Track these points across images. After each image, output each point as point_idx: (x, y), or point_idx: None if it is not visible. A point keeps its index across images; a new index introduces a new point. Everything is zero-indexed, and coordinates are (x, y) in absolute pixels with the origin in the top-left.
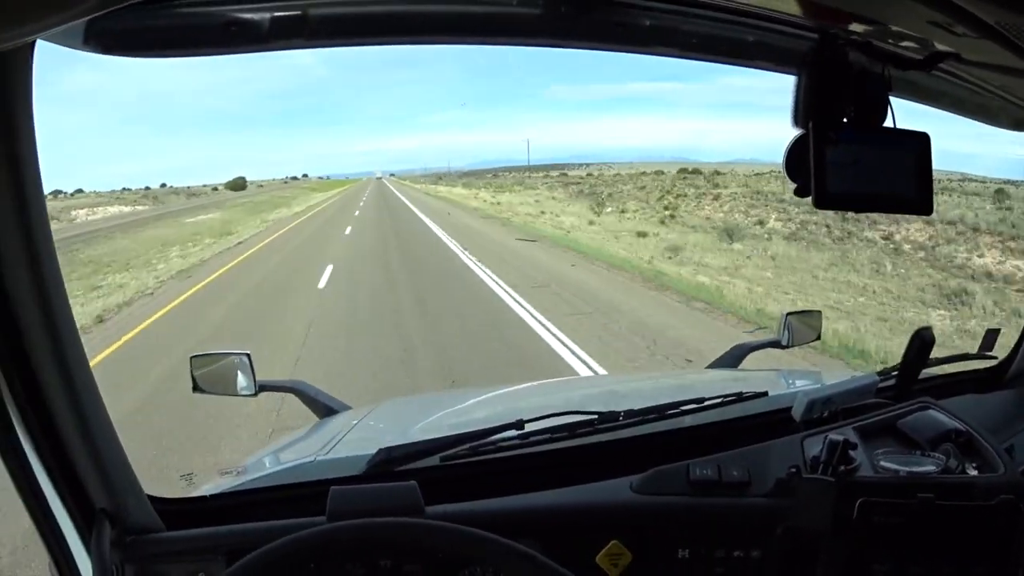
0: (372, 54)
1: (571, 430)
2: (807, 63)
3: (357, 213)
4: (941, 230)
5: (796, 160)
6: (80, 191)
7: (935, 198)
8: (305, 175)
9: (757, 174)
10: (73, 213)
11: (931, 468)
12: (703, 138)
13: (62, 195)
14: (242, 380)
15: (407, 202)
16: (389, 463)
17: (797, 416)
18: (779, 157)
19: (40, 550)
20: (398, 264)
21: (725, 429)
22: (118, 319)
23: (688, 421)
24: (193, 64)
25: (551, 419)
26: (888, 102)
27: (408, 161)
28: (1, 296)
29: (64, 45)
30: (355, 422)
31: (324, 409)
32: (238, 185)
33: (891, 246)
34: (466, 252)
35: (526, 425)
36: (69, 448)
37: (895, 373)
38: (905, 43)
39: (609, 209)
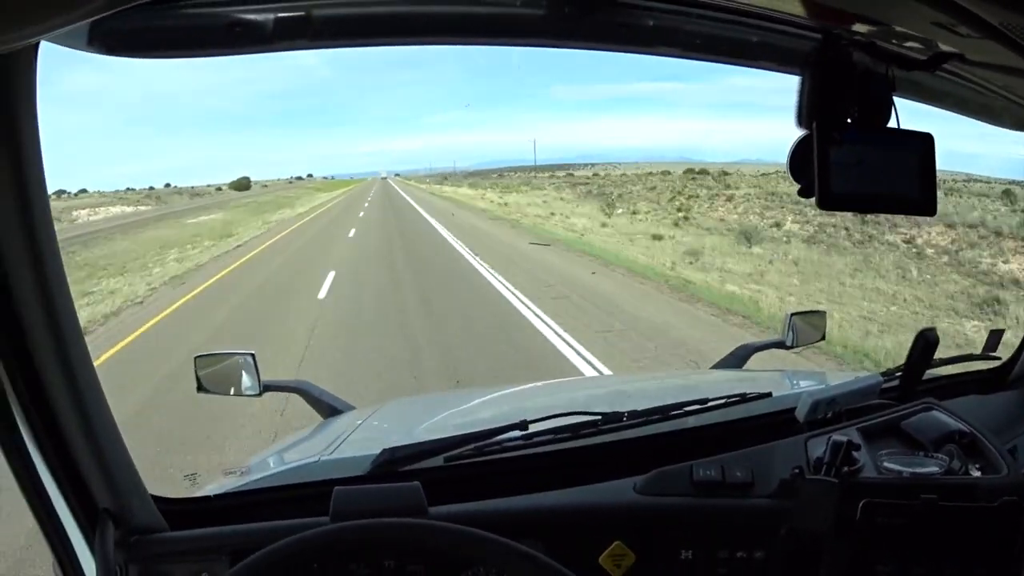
0: (376, 55)
1: (575, 431)
2: (811, 63)
3: (361, 214)
4: (963, 233)
5: (800, 160)
6: (84, 191)
7: (947, 199)
8: (310, 175)
9: (764, 174)
10: (74, 213)
11: (934, 469)
12: (707, 138)
13: (66, 195)
14: (246, 380)
15: (412, 203)
16: (393, 463)
17: (801, 417)
18: (784, 157)
19: (44, 550)
20: (405, 270)
21: (729, 430)
22: (101, 332)
23: (692, 422)
24: (197, 64)
25: (555, 419)
26: (892, 102)
27: (413, 161)
28: (5, 296)
29: (68, 46)
30: (359, 422)
31: (328, 409)
32: (242, 185)
33: (913, 250)
34: (477, 258)
35: (530, 425)
36: (73, 448)
37: (899, 374)
38: (909, 43)
39: (620, 210)
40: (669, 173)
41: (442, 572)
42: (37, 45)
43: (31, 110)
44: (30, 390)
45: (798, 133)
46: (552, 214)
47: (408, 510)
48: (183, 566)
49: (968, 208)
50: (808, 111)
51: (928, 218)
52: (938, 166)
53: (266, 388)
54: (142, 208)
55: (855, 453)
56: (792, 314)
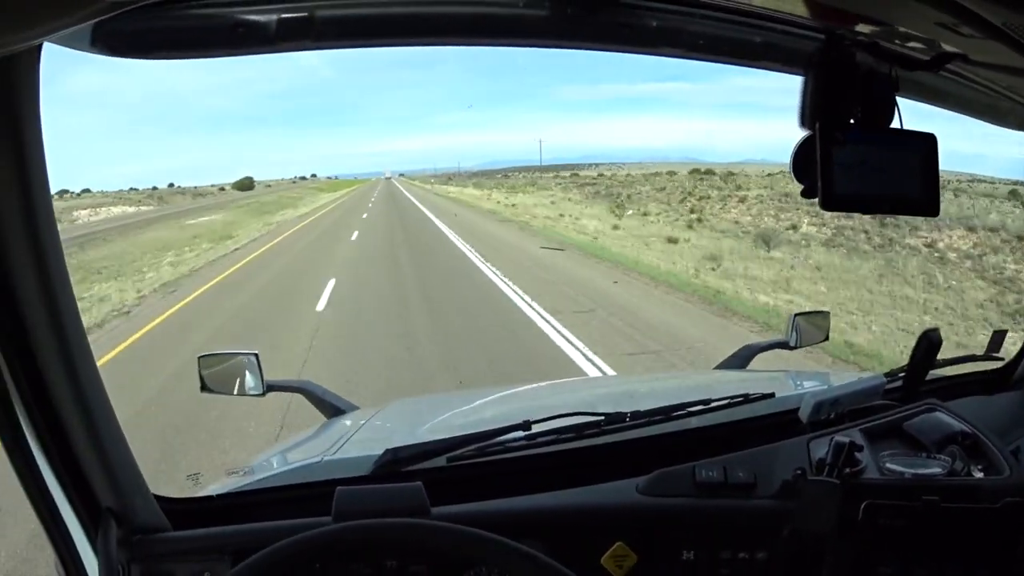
0: (380, 55)
1: (578, 431)
2: (814, 64)
3: (365, 216)
4: (984, 237)
5: (803, 161)
6: (87, 191)
7: (957, 200)
8: (314, 175)
9: (770, 174)
10: (75, 214)
11: (937, 470)
12: (711, 138)
13: (68, 195)
14: (250, 380)
15: (417, 203)
16: (396, 463)
17: (804, 418)
18: (788, 158)
19: (47, 549)
20: (412, 280)
21: (732, 430)
22: None
23: (695, 422)
24: (202, 64)
25: (558, 420)
26: (895, 103)
27: (418, 161)
28: (8, 296)
29: (71, 47)
30: (362, 422)
31: (332, 409)
32: (245, 185)
33: (935, 254)
34: (487, 264)
35: (533, 426)
36: (76, 447)
37: (902, 375)
38: (912, 44)
39: (630, 211)
40: (674, 173)
41: (444, 572)
42: (40, 46)
43: (34, 111)
44: (33, 390)
45: (802, 133)
46: (561, 216)
47: (410, 510)
48: (185, 565)
49: (985, 211)
50: (811, 111)
51: (949, 221)
52: (941, 167)
53: (270, 388)
54: (144, 208)
55: (857, 454)
56: (796, 315)
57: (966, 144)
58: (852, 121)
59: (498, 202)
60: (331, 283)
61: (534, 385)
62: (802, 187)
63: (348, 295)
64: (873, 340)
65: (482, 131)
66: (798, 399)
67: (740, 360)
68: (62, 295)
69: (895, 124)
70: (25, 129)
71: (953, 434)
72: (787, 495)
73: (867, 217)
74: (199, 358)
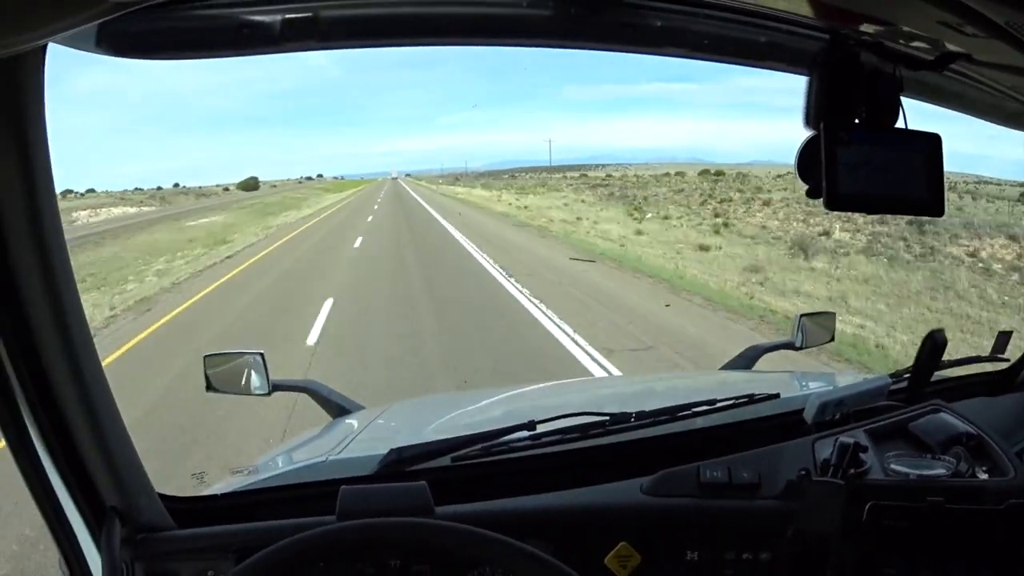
0: (386, 55)
1: (583, 431)
2: (818, 64)
3: (370, 219)
4: None
5: (808, 161)
6: (92, 191)
7: (977, 204)
8: (320, 175)
9: (779, 176)
10: (74, 215)
11: (941, 471)
12: (718, 139)
13: (72, 195)
14: (256, 380)
15: (425, 205)
16: (400, 463)
17: (809, 418)
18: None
19: (51, 548)
20: (424, 301)
21: (737, 431)
22: None
23: (700, 423)
24: (207, 64)
25: (563, 420)
26: (899, 103)
27: (424, 162)
28: (13, 295)
29: (76, 48)
30: (368, 422)
31: (337, 409)
32: (250, 185)
33: (979, 265)
34: (512, 280)
35: (538, 426)
36: (80, 446)
37: (907, 376)
38: (916, 43)
39: (649, 215)
40: (683, 174)
41: (448, 572)
42: (45, 47)
43: (39, 111)
44: (38, 389)
45: (807, 134)
46: (579, 219)
47: (414, 510)
48: (189, 564)
49: (1011, 214)
50: (816, 111)
51: (988, 229)
52: (946, 168)
53: (275, 388)
54: (145, 209)
55: (862, 455)
56: (802, 315)
57: (971, 145)
58: (856, 121)
59: (509, 204)
60: (327, 306)
61: (539, 385)
62: (807, 187)
63: (348, 320)
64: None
65: (488, 131)
66: (803, 400)
67: (746, 360)
68: (66, 295)
69: (899, 124)
70: (30, 129)
71: (958, 435)
72: (791, 496)
73: (904, 223)
74: (205, 357)
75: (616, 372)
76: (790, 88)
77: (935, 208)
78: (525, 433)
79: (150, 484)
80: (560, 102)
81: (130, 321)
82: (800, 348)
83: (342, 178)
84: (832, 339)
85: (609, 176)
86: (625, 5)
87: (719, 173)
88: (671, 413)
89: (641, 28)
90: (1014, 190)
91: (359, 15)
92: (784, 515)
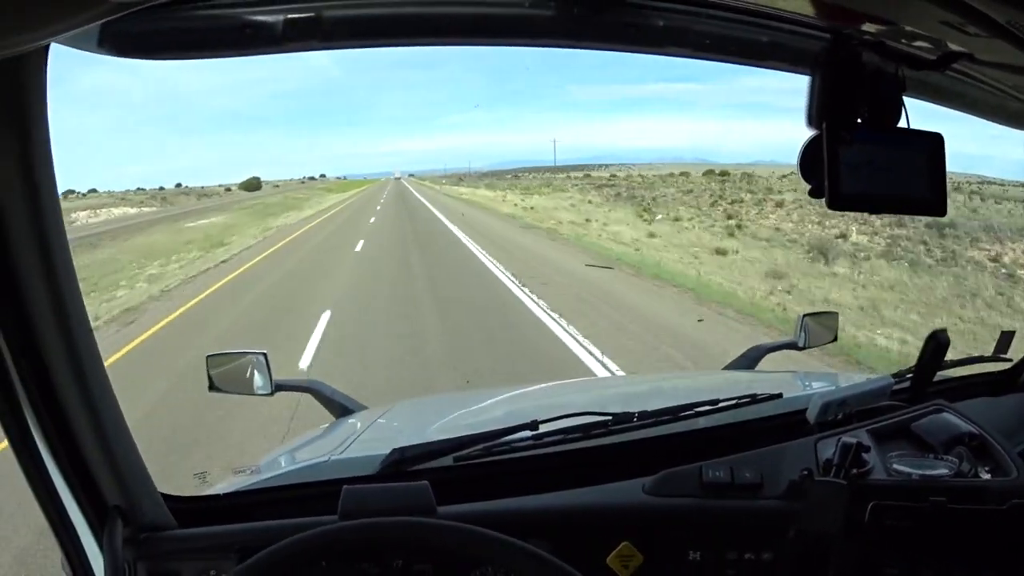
0: (389, 55)
1: (585, 431)
2: (820, 63)
3: (373, 220)
4: None
5: (810, 161)
6: (94, 191)
7: (987, 204)
8: (323, 175)
9: (784, 176)
10: (73, 215)
11: (944, 471)
12: (721, 139)
13: (74, 195)
14: (258, 379)
15: (429, 205)
16: (403, 463)
17: (812, 418)
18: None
19: (53, 547)
20: (431, 316)
21: (739, 431)
22: None
23: (702, 423)
24: (209, 65)
25: (565, 420)
26: (902, 102)
27: (428, 162)
28: (15, 296)
29: (79, 48)
30: (370, 422)
31: (340, 409)
32: (252, 185)
33: (1002, 270)
34: (526, 291)
35: (540, 426)
36: (83, 446)
37: (910, 375)
38: (918, 43)
39: (660, 216)
40: (687, 174)
41: (450, 572)
42: (47, 47)
43: (42, 111)
44: (41, 389)
45: (809, 134)
46: (588, 221)
47: (416, 509)
48: (191, 564)
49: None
50: (818, 111)
51: (1008, 233)
52: (949, 168)
53: (278, 388)
54: (146, 210)
55: (864, 455)
56: (804, 315)
57: (974, 146)
58: (859, 121)
59: (515, 205)
60: (323, 321)
61: (542, 385)
62: (810, 187)
63: (348, 335)
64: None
65: (491, 131)
66: (806, 400)
67: (748, 360)
68: (69, 295)
69: (902, 124)
70: (33, 130)
71: (960, 435)
72: (794, 496)
73: (923, 226)
74: (207, 357)
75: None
76: (795, 88)
77: (937, 208)
78: (528, 433)
79: (152, 484)
80: (564, 102)
81: (112, 334)
82: (803, 348)
83: (345, 178)
84: (835, 339)
85: (613, 176)
86: (627, 5)
87: (724, 173)
88: (673, 413)
89: (643, 28)
90: (1017, 190)
91: (362, 15)
92: (786, 515)
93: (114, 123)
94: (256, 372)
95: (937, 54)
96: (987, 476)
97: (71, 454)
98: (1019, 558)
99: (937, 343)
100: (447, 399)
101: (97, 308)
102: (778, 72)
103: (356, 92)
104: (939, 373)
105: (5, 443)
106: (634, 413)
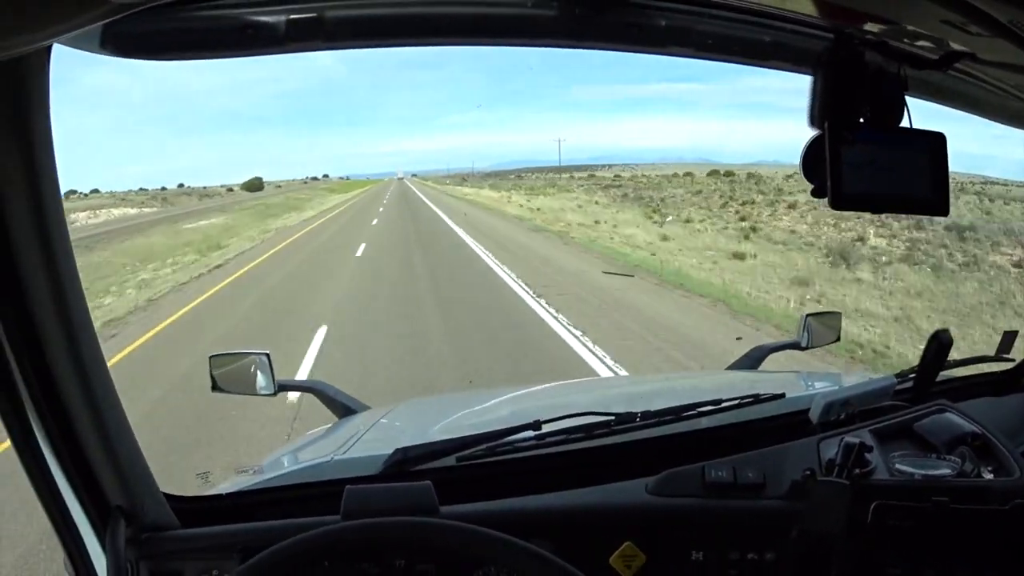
0: (391, 55)
1: (588, 431)
2: (823, 63)
3: (375, 222)
4: None
5: (813, 160)
6: (96, 191)
7: (995, 205)
8: (326, 175)
9: (789, 176)
10: (73, 216)
11: (946, 472)
12: (724, 139)
13: (76, 196)
14: (261, 380)
15: (433, 207)
16: (405, 463)
17: (814, 418)
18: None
19: (56, 547)
20: (437, 334)
21: (742, 431)
22: None
23: (705, 423)
24: (211, 65)
25: (568, 420)
26: (904, 102)
27: (431, 162)
28: (18, 296)
29: (81, 48)
30: (373, 422)
31: (343, 409)
32: (254, 186)
33: None
34: (542, 303)
35: (543, 426)
36: (85, 446)
37: (912, 375)
38: (920, 42)
39: (670, 218)
40: (691, 174)
41: (452, 572)
42: (49, 48)
43: (44, 112)
44: (43, 389)
45: (812, 133)
46: (597, 222)
47: (419, 509)
48: (194, 563)
49: None
50: (820, 111)
51: None
52: (951, 168)
53: (281, 388)
54: (146, 210)
55: (867, 455)
56: (807, 315)
57: (976, 145)
58: (861, 120)
59: (520, 205)
60: (318, 339)
61: (545, 385)
62: (812, 187)
63: (347, 355)
64: None
65: (495, 131)
66: (808, 400)
67: (751, 361)
68: (72, 295)
69: (904, 123)
70: (35, 130)
71: (963, 435)
72: (796, 496)
73: (942, 228)
74: (210, 357)
75: None
76: (797, 88)
77: (940, 207)
78: (530, 433)
79: (155, 483)
80: (567, 102)
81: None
82: (806, 348)
83: (348, 178)
84: (838, 339)
85: (618, 176)
86: (630, 5)
87: (728, 173)
88: (676, 413)
89: (646, 28)
90: (1021, 190)
91: (364, 15)
92: (789, 515)
93: (116, 123)
94: (259, 372)
95: (939, 54)
96: (990, 476)
97: (74, 454)
98: (1022, 558)
99: (940, 343)
100: (450, 399)
101: (93, 312)
102: (780, 72)
103: (359, 92)
104: (942, 373)
105: (8, 443)
106: (637, 413)
